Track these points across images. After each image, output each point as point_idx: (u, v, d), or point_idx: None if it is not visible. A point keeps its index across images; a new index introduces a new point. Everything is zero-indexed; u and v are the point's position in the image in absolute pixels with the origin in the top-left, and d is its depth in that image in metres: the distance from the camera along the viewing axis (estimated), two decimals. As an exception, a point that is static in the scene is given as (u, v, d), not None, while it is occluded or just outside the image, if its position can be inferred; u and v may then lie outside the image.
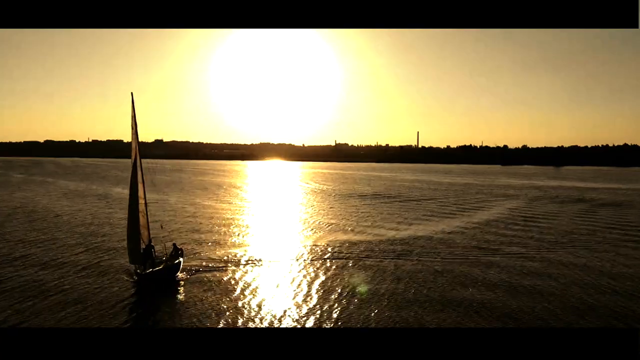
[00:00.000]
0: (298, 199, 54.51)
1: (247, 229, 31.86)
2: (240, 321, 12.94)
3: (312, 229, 31.74)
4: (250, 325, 12.30)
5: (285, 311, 14.31)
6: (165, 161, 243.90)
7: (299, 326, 11.90)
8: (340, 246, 26.09)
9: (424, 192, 63.65)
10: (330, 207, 44.04)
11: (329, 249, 25.35)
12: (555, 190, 69.21)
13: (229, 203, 47.53)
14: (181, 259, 20.23)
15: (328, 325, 13.79)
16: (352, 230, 31.16)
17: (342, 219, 36.19)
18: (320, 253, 24.53)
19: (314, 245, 26.19)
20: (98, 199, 49.07)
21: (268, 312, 14.13)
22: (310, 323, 13.20)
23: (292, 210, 42.41)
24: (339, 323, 13.54)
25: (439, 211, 41.87)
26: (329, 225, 33.15)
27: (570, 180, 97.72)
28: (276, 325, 12.22)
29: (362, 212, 40.45)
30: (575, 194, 62.68)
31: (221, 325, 11.98)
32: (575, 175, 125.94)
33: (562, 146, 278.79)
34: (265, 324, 12.78)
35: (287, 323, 12.85)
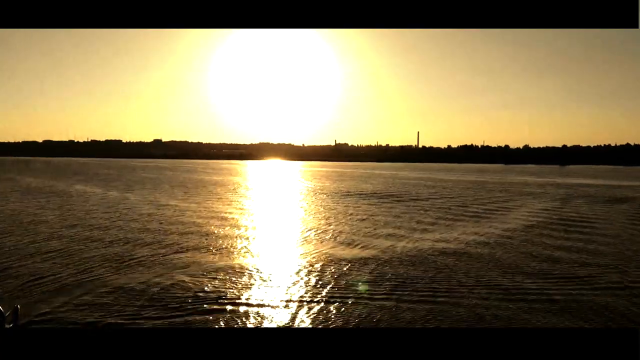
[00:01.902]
0: (290, 199, 46.18)
1: (204, 243, 21.68)
2: (239, 322, 12.91)
3: (301, 243, 22.27)
4: (250, 325, 12.28)
5: None
6: (161, 160, 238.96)
7: (298, 326, 11.89)
8: (341, 267, 17.25)
9: (433, 191, 56.17)
10: (330, 209, 36.01)
11: (324, 276, 16.09)
12: (581, 188, 63.54)
13: (202, 203, 39.25)
14: None
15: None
16: (357, 241, 22.52)
17: (344, 224, 28.01)
18: (310, 286, 15.01)
19: (301, 272, 16.64)
20: (46, 196, 42.67)
21: None
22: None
23: (280, 214, 33.70)
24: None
25: (461, 213, 34.16)
26: (326, 235, 24.16)
27: (586, 178, 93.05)
28: (276, 327, 12.21)
29: (367, 215, 32.48)
30: (606, 192, 56.20)
31: (221, 325, 11.97)
32: (586, 173, 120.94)
33: (566, 145, 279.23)
34: (265, 326, 12.75)
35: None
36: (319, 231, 25.91)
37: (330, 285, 15.26)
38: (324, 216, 32.25)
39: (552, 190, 57.63)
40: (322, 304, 13.42)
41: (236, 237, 24.20)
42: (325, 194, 52.18)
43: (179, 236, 23.78)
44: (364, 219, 30.83)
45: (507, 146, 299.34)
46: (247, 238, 23.87)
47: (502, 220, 30.64)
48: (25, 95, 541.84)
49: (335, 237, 24.28)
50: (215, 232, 25.44)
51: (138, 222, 28.31)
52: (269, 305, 13.32)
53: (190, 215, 31.83)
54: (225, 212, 33.66)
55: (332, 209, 36.37)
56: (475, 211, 35.63)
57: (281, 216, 33.16)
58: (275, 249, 21.44)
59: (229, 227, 27.12)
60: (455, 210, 36.37)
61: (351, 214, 33.25)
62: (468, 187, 63.25)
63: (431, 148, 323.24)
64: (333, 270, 17.28)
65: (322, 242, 22.91)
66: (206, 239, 23.20)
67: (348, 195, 50.35)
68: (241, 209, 36.46)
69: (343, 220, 29.96)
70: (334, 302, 13.56)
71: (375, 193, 52.79)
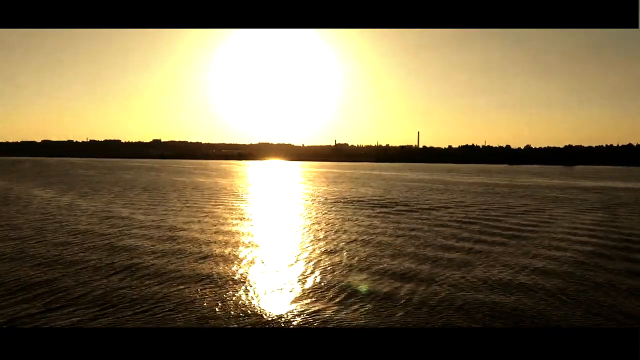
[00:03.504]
0: (276, 209, 34.80)
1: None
2: (240, 322, 12.88)
3: (278, 286, 13.93)
4: (250, 325, 12.28)
5: None
6: (157, 161, 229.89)
7: (299, 326, 11.89)
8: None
9: (444, 197, 46.42)
10: (324, 225, 26.22)
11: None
12: (610, 192, 54.62)
13: (159, 214, 29.83)
14: None
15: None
16: (358, 283, 14.16)
17: (341, 249, 19.25)
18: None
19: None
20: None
21: None
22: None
23: (257, 233, 23.37)
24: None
25: (491, 229, 25.42)
26: (315, 271, 15.56)
27: (605, 180, 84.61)
28: (276, 326, 12.21)
29: (370, 233, 23.34)
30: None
31: (221, 325, 11.97)
32: (598, 174, 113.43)
33: (571, 145, 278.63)
34: (266, 325, 12.72)
35: (286, 325, 12.62)
36: (307, 263, 16.93)
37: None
38: (314, 237, 22.70)
39: (581, 196, 48.70)
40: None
41: (173, 287, 13.82)
42: (320, 201, 41.10)
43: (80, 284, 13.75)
44: (366, 240, 21.77)
45: (508, 146, 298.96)
46: (191, 284, 14.08)
47: (549, 240, 22.38)
48: (25, 95, 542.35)
49: (328, 274, 15.47)
50: (139, 284, 14.04)
51: (53, 245, 19.62)
52: None
53: (134, 234, 22.53)
54: (183, 231, 23.67)
55: (326, 225, 26.52)
56: (508, 226, 26.83)
57: (257, 236, 22.78)
58: (237, 294, 13.43)
59: (173, 262, 16.83)
60: (482, 224, 27.42)
61: (349, 232, 24.01)
62: (483, 192, 54.34)
63: (432, 148, 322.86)
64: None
65: (309, 284, 14.39)
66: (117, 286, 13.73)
67: (346, 202, 39.91)
68: (207, 225, 25.92)
69: (339, 243, 21.11)
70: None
71: (377, 199, 43.10)
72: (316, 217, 30.13)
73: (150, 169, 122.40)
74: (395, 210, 34.45)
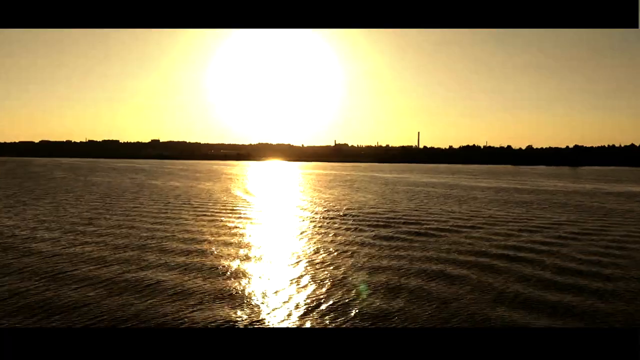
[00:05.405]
0: (244, 235, 23.27)
1: None
2: (240, 322, 12.83)
3: None
4: (250, 325, 12.26)
5: None
6: (150, 161, 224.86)
7: (298, 326, 11.87)
8: None
9: (467, 209, 35.85)
10: (307, 270, 16.24)
11: None
12: None
13: (75, 233, 22.62)
14: None
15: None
16: None
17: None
18: None
19: None
20: None
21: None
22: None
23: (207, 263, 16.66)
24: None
25: (566, 265, 17.06)
26: None
27: (628, 184, 76.47)
28: (276, 326, 12.19)
29: (381, 281, 14.60)
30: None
31: (221, 325, 11.95)
32: (612, 176, 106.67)
33: (575, 145, 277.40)
34: (266, 325, 12.68)
35: (287, 324, 12.54)
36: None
37: None
38: (295, 286, 14.38)
39: (626, 205, 40.53)
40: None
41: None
42: (308, 218, 30.20)
43: None
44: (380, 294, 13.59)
45: (509, 147, 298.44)
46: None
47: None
48: (23, 96, 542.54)
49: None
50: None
51: None
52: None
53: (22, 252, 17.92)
54: (93, 264, 16.76)
55: (311, 268, 16.57)
56: (584, 255, 18.98)
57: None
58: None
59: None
60: (545, 258, 18.38)
61: (347, 285, 14.42)
62: (506, 200, 44.38)
63: (432, 149, 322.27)
64: None
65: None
66: None
67: (343, 220, 29.15)
68: (141, 256, 18.18)
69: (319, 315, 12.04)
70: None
71: (383, 213, 32.37)
72: (306, 253, 19.25)
73: (135, 171, 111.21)
74: (409, 231, 24.99)
